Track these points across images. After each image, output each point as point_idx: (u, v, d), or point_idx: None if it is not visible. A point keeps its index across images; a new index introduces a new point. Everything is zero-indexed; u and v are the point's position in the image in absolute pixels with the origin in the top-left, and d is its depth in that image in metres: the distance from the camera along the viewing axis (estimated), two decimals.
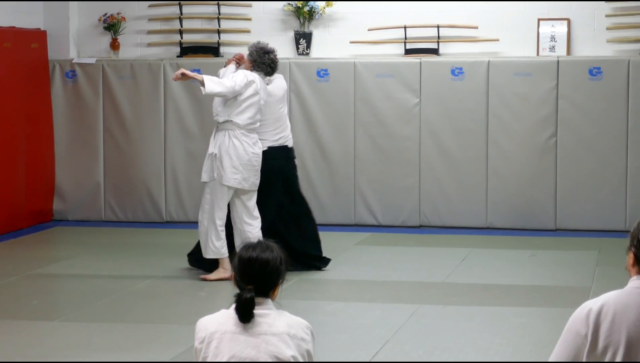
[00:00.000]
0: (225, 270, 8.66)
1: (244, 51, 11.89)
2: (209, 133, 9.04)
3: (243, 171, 8.61)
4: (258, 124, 8.74)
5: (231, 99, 8.57)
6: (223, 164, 8.57)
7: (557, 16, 11.26)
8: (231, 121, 8.59)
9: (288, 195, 9.17)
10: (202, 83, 8.44)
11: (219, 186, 8.63)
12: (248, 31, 11.83)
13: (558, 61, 11.03)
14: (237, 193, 8.71)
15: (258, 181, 8.74)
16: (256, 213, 8.78)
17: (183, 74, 8.50)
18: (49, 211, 11.94)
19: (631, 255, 3.61)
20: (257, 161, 8.69)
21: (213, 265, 8.80)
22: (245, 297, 3.75)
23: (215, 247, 8.67)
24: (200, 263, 8.94)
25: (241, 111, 8.59)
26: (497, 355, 6.53)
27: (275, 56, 8.80)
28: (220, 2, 11.92)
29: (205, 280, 8.69)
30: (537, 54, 11.26)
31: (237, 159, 8.58)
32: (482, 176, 11.25)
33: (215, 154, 8.61)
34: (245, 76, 8.59)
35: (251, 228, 8.70)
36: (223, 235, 8.69)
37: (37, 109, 11.65)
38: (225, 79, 8.60)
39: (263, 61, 8.73)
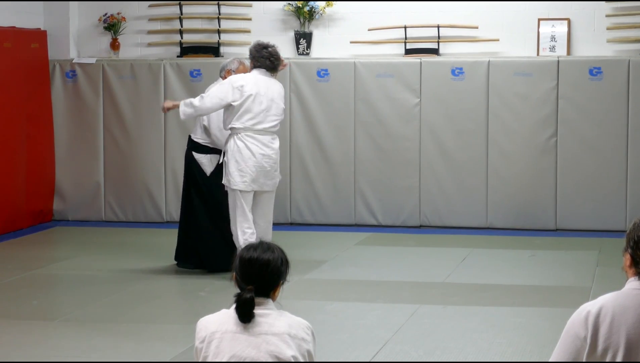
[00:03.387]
0: None
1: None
2: None
3: (251, 173, 8.52)
4: (272, 124, 8.60)
5: (229, 108, 8.54)
6: (229, 169, 8.52)
7: (557, 16, 11.27)
8: (234, 126, 8.54)
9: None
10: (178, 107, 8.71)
11: (231, 192, 8.60)
12: (248, 31, 11.83)
13: (558, 61, 11.03)
14: (255, 194, 8.68)
15: (271, 182, 8.67)
16: (261, 215, 8.75)
17: (167, 109, 9.00)
18: (49, 211, 11.94)
19: (628, 256, 3.61)
20: (268, 162, 8.58)
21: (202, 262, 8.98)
22: (245, 297, 3.75)
23: None
24: (188, 263, 9.09)
25: (239, 115, 8.51)
26: (497, 355, 6.54)
27: (274, 49, 8.67)
28: (221, 2, 11.92)
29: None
30: (537, 54, 11.27)
31: (242, 161, 8.51)
32: (482, 176, 11.25)
33: (224, 161, 8.57)
34: (230, 83, 8.53)
35: (258, 228, 8.66)
36: (252, 239, 8.52)
37: (37, 109, 11.66)
38: (198, 98, 8.66)
39: (262, 55, 8.61)
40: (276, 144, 8.68)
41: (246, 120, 8.51)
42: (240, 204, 8.55)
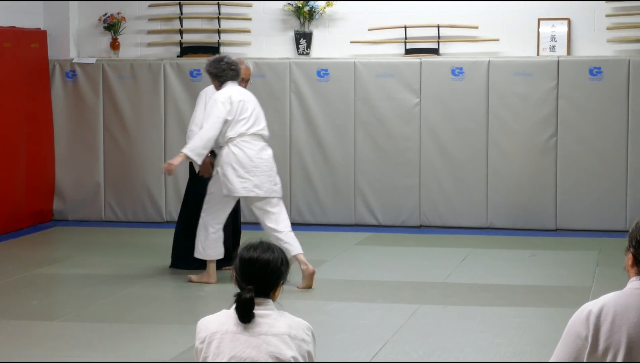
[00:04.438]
0: (210, 275, 8.52)
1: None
2: None
3: (251, 178, 8.33)
4: (261, 126, 8.43)
5: (225, 123, 8.31)
6: (228, 177, 8.30)
7: (557, 16, 11.27)
8: (230, 136, 8.33)
9: None
10: (188, 157, 8.32)
11: (221, 196, 8.43)
12: (248, 31, 11.84)
13: (558, 61, 11.03)
14: (252, 200, 8.45)
15: (277, 187, 8.46)
16: (281, 218, 8.46)
17: (172, 168, 8.33)
18: (49, 211, 11.94)
19: (630, 256, 3.61)
20: (267, 165, 8.39)
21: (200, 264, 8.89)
22: (245, 297, 3.75)
23: (201, 249, 8.58)
24: (183, 263, 9.06)
25: (234, 124, 8.32)
26: (497, 355, 6.53)
27: (228, 58, 8.53)
28: (220, 2, 11.92)
29: (190, 280, 8.65)
30: (537, 54, 11.27)
31: (240, 167, 8.31)
32: (482, 176, 11.25)
33: (217, 170, 8.38)
34: (218, 101, 8.33)
35: (279, 234, 8.36)
36: (213, 237, 8.47)
37: (37, 109, 11.66)
38: (197, 135, 8.36)
39: (222, 68, 8.44)
40: (269, 151, 8.49)
41: (240, 126, 8.34)
42: (220, 206, 8.43)
